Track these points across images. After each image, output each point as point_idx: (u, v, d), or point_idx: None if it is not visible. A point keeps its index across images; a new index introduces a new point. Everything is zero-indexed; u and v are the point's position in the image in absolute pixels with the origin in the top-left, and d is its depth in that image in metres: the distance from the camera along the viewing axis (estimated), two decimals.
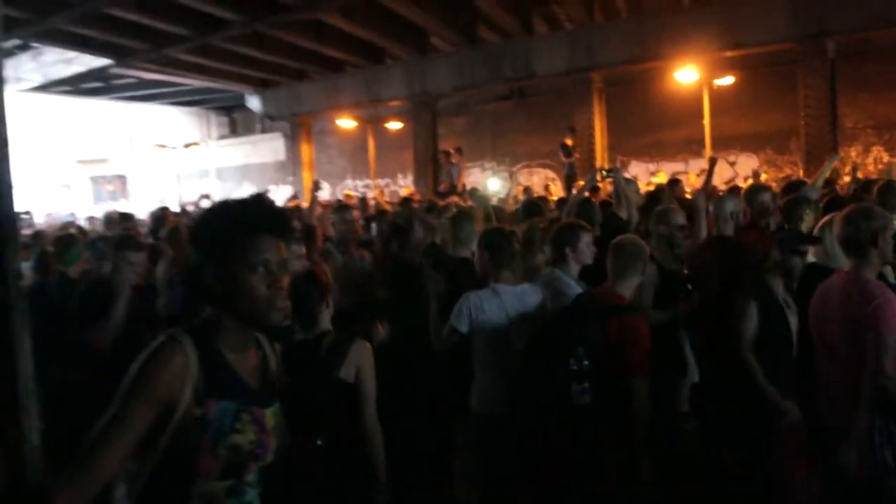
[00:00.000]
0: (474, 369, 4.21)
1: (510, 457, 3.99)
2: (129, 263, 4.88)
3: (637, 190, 8.38)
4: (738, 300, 4.16)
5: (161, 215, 9.60)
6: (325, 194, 23.24)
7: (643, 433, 3.73)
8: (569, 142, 16.94)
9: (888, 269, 4.56)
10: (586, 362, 3.67)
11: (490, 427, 4.07)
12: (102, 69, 18.08)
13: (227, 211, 2.07)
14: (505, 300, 4.11)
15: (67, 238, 6.01)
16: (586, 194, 7.57)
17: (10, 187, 1.48)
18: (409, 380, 4.61)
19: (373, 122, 22.47)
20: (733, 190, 9.29)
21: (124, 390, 1.84)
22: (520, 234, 5.22)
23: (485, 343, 4.11)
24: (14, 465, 1.59)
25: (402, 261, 5.44)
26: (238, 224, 2.01)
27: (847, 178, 14.69)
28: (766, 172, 17.70)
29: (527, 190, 13.04)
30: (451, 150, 17.54)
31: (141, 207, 19.70)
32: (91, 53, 17.00)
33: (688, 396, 4.85)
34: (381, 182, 23.34)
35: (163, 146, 24.56)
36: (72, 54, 17.25)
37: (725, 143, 18.15)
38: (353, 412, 3.32)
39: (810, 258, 4.98)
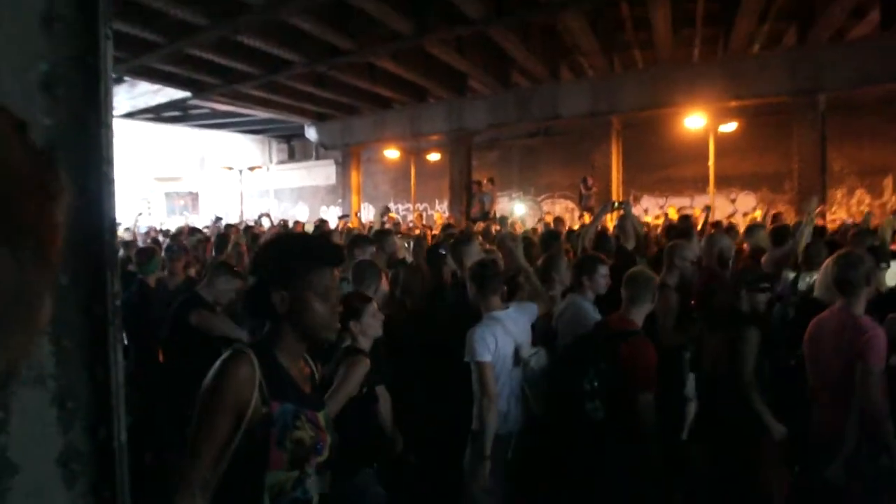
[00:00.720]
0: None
1: (528, 472, 3.94)
2: (225, 289, 4.98)
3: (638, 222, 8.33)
4: (742, 328, 4.14)
5: (225, 232, 9.71)
6: (370, 215, 23.41)
7: (650, 442, 3.70)
8: (589, 178, 16.96)
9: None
10: (596, 383, 3.66)
11: (506, 446, 3.93)
12: (182, 100, 18.38)
13: (299, 245, 2.17)
14: (506, 325, 3.99)
15: (149, 250, 6.09)
16: (605, 227, 7.54)
17: (113, 222, 1.52)
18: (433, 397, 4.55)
19: (414, 153, 22.54)
20: (729, 229, 9.26)
21: (204, 404, 1.92)
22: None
23: (497, 369, 3.91)
24: (103, 460, 1.62)
25: (440, 282, 5.41)
26: (311, 258, 2.11)
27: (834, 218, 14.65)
28: (760, 209, 17.61)
29: (557, 219, 12.95)
30: (484, 180, 17.56)
31: (209, 221, 19.91)
32: (174, 87, 17.31)
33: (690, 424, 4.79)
34: (420, 206, 23.40)
35: (229, 168, 24.76)
36: (157, 86, 17.56)
37: (727, 181, 18.13)
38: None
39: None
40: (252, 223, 15.40)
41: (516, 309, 4.18)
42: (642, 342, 3.79)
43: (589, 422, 3.66)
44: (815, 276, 5.50)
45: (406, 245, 7.76)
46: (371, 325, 3.47)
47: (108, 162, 1.50)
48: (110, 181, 1.50)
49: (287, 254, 2.14)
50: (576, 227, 11.72)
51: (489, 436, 3.77)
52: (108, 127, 1.50)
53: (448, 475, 4.14)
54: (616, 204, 8.13)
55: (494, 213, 15.46)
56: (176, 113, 21.84)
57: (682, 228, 7.15)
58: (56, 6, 1.37)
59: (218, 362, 1.99)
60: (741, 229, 9.81)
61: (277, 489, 2.01)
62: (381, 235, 6.91)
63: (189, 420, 1.97)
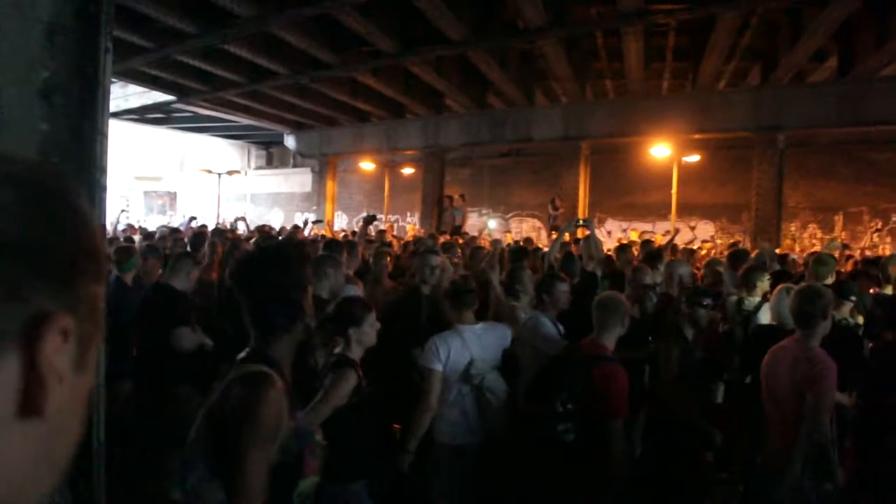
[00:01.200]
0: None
1: (478, 484, 3.94)
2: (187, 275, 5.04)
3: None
4: (662, 347, 4.30)
5: (200, 233, 9.60)
6: (343, 223, 23.34)
7: (618, 464, 3.72)
8: (557, 199, 17.12)
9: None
10: (570, 405, 3.67)
11: (456, 457, 3.93)
12: (167, 103, 18.24)
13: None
14: (467, 339, 4.00)
15: (127, 249, 6.02)
16: (566, 240, 7.63)
17: (103, 227, 1.52)
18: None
19: (389, 166, 22.57)
20: (690, 254, 9.45)
21: (245, 434, 1.82)
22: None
23: (450, 379, 3.96)
24: (82, 458, 1.61)
25: (412, 289, 5.45)
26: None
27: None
28: (720, 238, 17.97)
29: (528, 239, 13.01)
30: (456, 196, 17.61)
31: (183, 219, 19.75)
32: (159, 90, 17.21)
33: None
34: (392, 218, 23.41)
35: (208, 171, 24.52)
36: (144, 89, 17.43)
37: (688, 210, 18.40)
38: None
39: (766, 320, 5.09)
40: (228, 226, 15.27)
41: (485, 327, 4.21)
42: (614, 368, 3.79)
43: (557, 442, 3.67)
44: (757, 299, 5.62)
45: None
46: (368, 334, 3.37)
47: (102, 170, 1.50)
48: (102, 188, 1.50)
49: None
50: (543, 246, 11.82)
51: (416, 435, 3.85)
52: (104, 136, 1.50)
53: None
54: (580, 221, 8.27)
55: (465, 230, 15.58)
56: (160, 115, 21.62)
57: (650, 252, 7.23)
58: (61, 18, 1.37)
59: (244, 389, 1.88)
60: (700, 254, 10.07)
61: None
62: (350, 245, 6.93)
63: (163, 419, 1.94)
